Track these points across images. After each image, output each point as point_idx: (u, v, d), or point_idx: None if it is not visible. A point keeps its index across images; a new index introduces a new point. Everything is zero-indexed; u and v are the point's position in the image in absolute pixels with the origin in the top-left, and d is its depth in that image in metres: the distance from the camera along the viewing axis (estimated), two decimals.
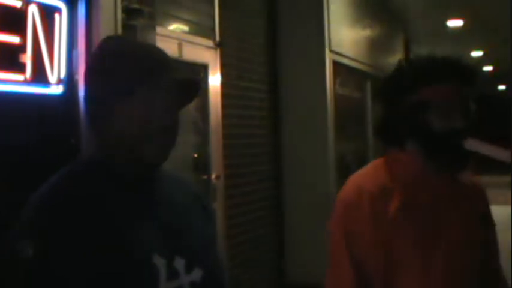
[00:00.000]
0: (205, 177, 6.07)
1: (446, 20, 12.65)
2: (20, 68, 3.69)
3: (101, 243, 1.66)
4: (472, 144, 2.29)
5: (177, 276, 1.79)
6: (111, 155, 1.81)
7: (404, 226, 2.30)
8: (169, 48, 5.39)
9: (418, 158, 2.36)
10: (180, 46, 5.64)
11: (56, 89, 3.96)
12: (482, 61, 19.61)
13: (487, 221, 2.47)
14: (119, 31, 4.48)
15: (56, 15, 4.00)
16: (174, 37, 5.64)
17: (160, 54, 1.88)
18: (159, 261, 1.75)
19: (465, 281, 2.34)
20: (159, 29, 5.19)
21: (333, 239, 2.40)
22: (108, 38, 1.98)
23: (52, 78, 3.91)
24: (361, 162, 8.47)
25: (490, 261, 2.49)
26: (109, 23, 4.41)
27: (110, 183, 1.79)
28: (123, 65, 1.79)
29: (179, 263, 1.81)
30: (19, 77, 3.68)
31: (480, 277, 2.40)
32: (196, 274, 1.85)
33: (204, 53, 6.14)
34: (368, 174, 2.47)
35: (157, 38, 5.01)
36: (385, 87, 2.51)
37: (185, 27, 6.07)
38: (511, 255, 8.85)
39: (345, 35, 8.77)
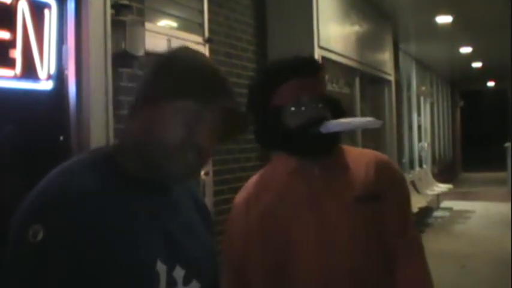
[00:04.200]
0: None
1: (435, 16, 12.66)
2: (10, 63, 3.70)
3: (109, 238, 1.64)
4: (327, 126, 2.45)
5: (175, 286, 1.76)
6: (132, 154, 1.79)
7: (271, 217, 2.49)
8: (158, 44, 5.41)
9: (289, 156, 2.55)
10: (168, 42, 5.65)
11: (46, 85, 3.97)
12: (471, 57, 19.64)
13: (368, 201, 2.51)
14: (108, 27, 4.49)
15: (46, 11, 4.01)
16: (163, 33, 5.65)
17: (223, 77, 1.88)
18: (161, 268, 1.72)
19: (349, 267, 2.41)
20: (148, 25, 5.19)
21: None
22: (185, 48, 1.97)
23: (42, 73, 3.93)
24: None
25: (388, 234, 2.52)
26: (98, 18, 4.42)
27: (121, 181, 1.76)
28: (189, 76, 1.77)
29: (178, 273, 1.77)
30: (9, 72, 3.69)
31: (378, 260, 2.47)
32: (194, 286, 1.82)
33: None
34: (256, 176, 2.72)
35: (146, 34, 5.02)
36: (248, 98, 2.66)
37: (174, 23, 6.08)
38: (511, 251, 8.92)
39: (334, 31, 8.79)
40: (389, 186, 2.56)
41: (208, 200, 6.17)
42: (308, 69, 2.55)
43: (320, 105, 2.50)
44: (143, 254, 1.70)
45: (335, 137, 2.52)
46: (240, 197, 2.68)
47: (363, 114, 10.02)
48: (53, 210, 1.62)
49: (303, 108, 2.48)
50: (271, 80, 2.54)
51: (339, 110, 2.59)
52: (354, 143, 9.89)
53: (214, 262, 2.02)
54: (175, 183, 1.87)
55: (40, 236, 1.57)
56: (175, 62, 1.83)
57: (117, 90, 4.65)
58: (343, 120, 2.50)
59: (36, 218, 1.61)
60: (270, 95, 2.52)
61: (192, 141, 1.73)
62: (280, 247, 2.46)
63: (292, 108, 2.48)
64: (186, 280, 1.80)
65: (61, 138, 4.22)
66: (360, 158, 2.61)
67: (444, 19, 12.90)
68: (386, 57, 12.45)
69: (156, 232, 1.76)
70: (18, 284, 1.59)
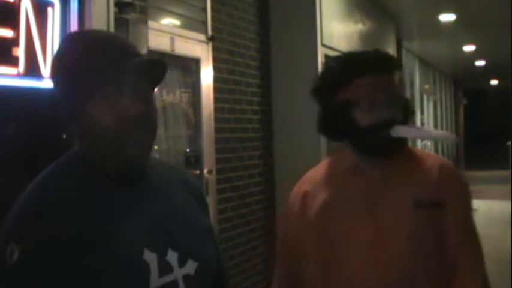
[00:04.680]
0: (197, 171, 6.08)
1: (438, 14, 12.64)
2: (13, 61, 3.71)
3: (88, 241, 1.62)
4: (399, 131, 2.36)
5: (171, 270, 1.76)
6: (93, 153, 1.78)
7: (330, 216, 2.42)
8: (161, 42, 5.41)
9: (352, 152, 2.47)
10: (172, 40, 5.65)
11: (49, 83, 3.97)
12: (474, 55, 19.62)
13: (428, 207, 2.41)
14: (111, 25, 4.49)
15: (49, 9, 4.01)
16: (166, 31, 5.65)
17: (117, 44, 1.81)
18: (150, 257, 1.71)
19: (407, 270, 2.33)
20: (151, 23, 5.20)
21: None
22: (69, 35, 1.95)
23: (45, 71, 3.92)
24: None
25: (447, 246, 2.40)
26: (101, 16, 4.42)
27: (95, 180, 1.75)
28: (81, 63, 1.73)
29: (172, 257, 1.77)
30: (12, 70, 3.70)
31: (433, 265, 2.36)
32: (191, 266, 1.81)
33: (196, 47, 6.15)
34: (312, 171, 2.67)
35: (150, 32, 5.02)
36: (316, 87, 2.59)
37: (177, 22, 6.09)
38: (511, 248, 8.90)
39: (337, 29, 8.77)
40: (454, 196, 2.45)
41: (211, 198, 6.17)
42: (386, 66, 2.47)
43: (393, 106, 2.40)
44: (127, 247, 1.69)
45: (403, 142, 2.44)
46: (297, 190, 2.61)
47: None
48: (27, 228, 1.62)
49: (375, 107, 2.37)
50: (347, 71, 2.45)
51: (409, 113, 2.49)
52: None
53: (210, 241, 2.01)
54: (140, 165, 1.83)
55: (15, 256, 1.57)
56: (60, 58, 1.81)
57: None
58: (416, 127, 2.42)
59: (12, 238, 1.61)
60: (342, 87, 2.43)
61: (127, 117, 1.71)
62: (335, 245, 2.40)
63: (364, 105, 2.37)
64: (181, 262, 1.80)
65: (64, 136, 4.22)
66: (423, 161, 2.52)
67: (447, 17, 12.88)
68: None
69: (139, 222, 1.75)
70: None
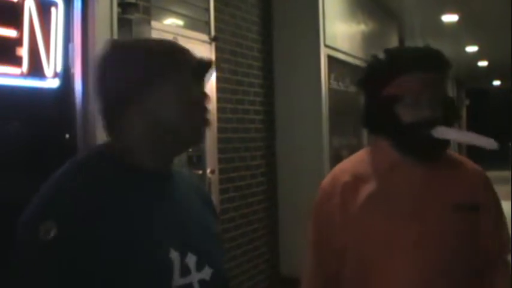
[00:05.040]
0: (200, 171, 6.09)
1: (441, 15, 12.64)
2: (17, 61, 3.71)
3: (121, 231, 1.64)
4: (441, 132, 2.33)
5: (188, 273, 1.77)
6: (130, 148, 1.80)
7: (375, 213, 2.35)
8: None
9: (392, 147, 2.42)
10: (175, 40, 5.65)
11: (52, 83, 3.98)
12: (477, 56, 19.62)
13: (472, 211, 2.41)
14: (115, 25, 4.50)
15: (53, 9, 4.02)
16: (169, 31, 5.65)
17: (172, 43, 1.96)
18: (174, 256, 1.73)
19: (447, 272, 2.32)
20: (154, 23, 5.21)
21: (308, 230, 2.58)
22: (113, 40, 2.01)
23: (48, 71, 3.93)
24: None
25: (483, 252, 2.43)
26: (105, 16, 4.43)
27: (124, 173, 1.77)
28: (141, 55, 1.83)
29: (191, 260, 1.78)
30: (16, 70, 3.70)
31: (469, 265, 2.38)
32: (207, 272, 1.82)
33: (199, 47, 6.15)
34: (350, 163, 2.57)
35: (153, 32, 5.03)
36: (362, 79, 2.55)
37: (180, 22, 6.09)
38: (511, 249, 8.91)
39: (340, 30, 8.78)
40: (488, 202, 2.47)
41: (214, 198, 6.17)
42: (437, 64, 2.42)
43: (437, 106, 2.36)
44: (156, 243, 1.71)
45: (445, 144, 2.41)
46: (334, 180, 2.49)
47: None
48: (65, 207, 1.62)
49: (419, 105, 2.33)
50: (395, 66, 2.40)
51: (453, 114, 2.45)
52: (358, 137, 9.89)
53: (222, 249, 2.06)
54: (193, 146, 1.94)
55: (52, 234, 1.56)
56: (120, 54, 1.87)
57: None
58: (458, 130, 2.39)
59: (48, 216, 1.60)
60: (388, 81, 2.39)
61: (190, 102, 1.82)
62: (377, 243, 2.34)
63: (408, 102, 2.34)
64: (199, 266, 1.81)
65: (67, 136, 4.23)
66: (459, 165, 2.54)
67: (450, 18, 12.88)
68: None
69: (166, 221, 1.78)
70: (31, 281, 1.58)
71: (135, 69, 1.79)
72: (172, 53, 1.85)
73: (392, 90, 2.36)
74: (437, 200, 2.38)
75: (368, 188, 2.39)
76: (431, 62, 2.40)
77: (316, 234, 2.54)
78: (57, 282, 1.56)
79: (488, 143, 2.37)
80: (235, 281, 6.61)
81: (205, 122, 1.87)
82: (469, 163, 2.59)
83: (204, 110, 1.86)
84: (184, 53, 1.87)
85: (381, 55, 2.50)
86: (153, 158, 1.81)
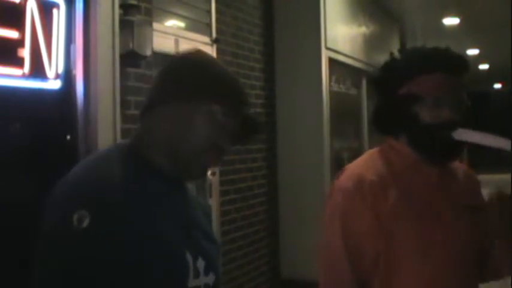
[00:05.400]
0: None
1: (442, 18, 12.66)
2: (19, 62, 3.72)
3: (144, 229, 1.67)
4: (461, 134, 2.30)
5: (198, 276, 1.80)
6: (160, 152, 1.83)
7: (404, 215, 2.27)
8: (166, 44, 5.42)
9: (409, 148, 2.38)
10: (176, 42, 5.66)
11: (54, 84, 3.99)
12: (478, 59, 19.62)
13: (477, 212, 2.41)
14: (116, 26, 4.51)
15: (54, 10, 4.02)
16: (171, 33, 5.66)
17: (242, 86, 1.98)
18: (189, 258, 1.76)
19: (463, 271, 2.33)
20: (155, 25, 5.21)
21: (329, 231, 2.37)
22: (207, 53, 2.03)
23: (50, 72, 3.94)
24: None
25: (488, 252, 2.45)
26: (106, 18, 4.44)
27: (149, 174, 1.80)
28: (223, 82, 1.87)
29: (201, 264, 1.81)
30: (17, 71, 3.71)
31: (479, 267, 2.41)
32: (211, 278, 1.86)
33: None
34: (366, 163, 2.45)
35: (154, 34, 5.03)
36: (379, 78, 2.51)
37: (182, 24, 6.10)
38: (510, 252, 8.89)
39: (341, 33, 8.79)
40: (485, 201, 2.48)
41: (214, 201, 6.18)
42: (458, 67, 2.38)
43: (457, 108, 2.32)
44: (174, 245, 1.74)
45: (462, 146, 2.35)
46: (358, 185, 2.32)
47: (370, 115, 10.01)
48: (98, 198, 1.64)
49: (439, 106, 2.30)
50: (416, 64, 2.37)
51: (471, 118, 2.41)
52: (359, 140, 9.90)
53: (219, 257, 2.06)
54: (190, 180, 1.95)
55: (86, 223, 1.58)
56: (209, 64, 1.93)
57: (124, 89, 4.67)
58: (478, 132, 2.32)
59: (82, 204, 1.62)
60: (408, 80, 2.35)
61: (216, 143, 1.82)
62: (405, 245, 2.26)
63: (429, 102, 2.29)
64: (206, 271, 1.84)
65: (68, 137, 4.24)
66: (459, 167, 2.55)
67: (451, 21, 12.90)
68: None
69: (180, 224, 1.82)
70: (61, 266, 1.59)
71: (196, 82, 1.85)
72: (236, 91, 1.90)
73: (413, 89, 2.33)
74: (454, 201, 2.38)
75: (393, 190, 2.31)
76: (453, 64, 2.37)
77: (345, 238, 2.31)
78: (85, 270, 1.58)
79: (507, 144, 2.34)
80: (236, 282, 6.61)
81: (212, 164, 1.90)
82: (463, 166, 2.63)
83: (220, 154, 1.87)
84: (242, 99, 1.91)
85: (398, 54, 2.50)
86: (165, 162, 1.82)
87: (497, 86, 29.98)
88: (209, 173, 6.16)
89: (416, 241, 2.27)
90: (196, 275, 1.79)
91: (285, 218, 7.78)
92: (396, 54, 2.50)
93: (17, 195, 3.36)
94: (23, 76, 3.74)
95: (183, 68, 1.90)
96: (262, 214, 7.40)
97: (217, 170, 6.30)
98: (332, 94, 8.24)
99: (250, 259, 7.01)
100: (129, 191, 1.70)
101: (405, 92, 2.35)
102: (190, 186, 2.08)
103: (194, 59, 1.93)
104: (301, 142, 7.74)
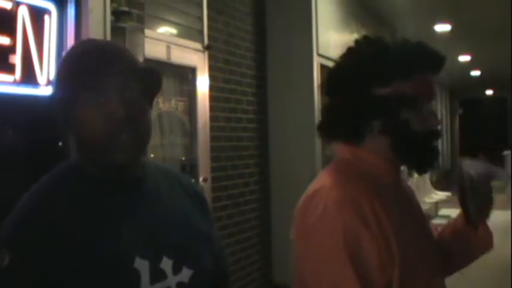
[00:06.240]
0: (192, 180, 6.08)
1: (433, 24, 12.68)
2: (10, 69, 3.71)
3: (78, 251, 1.63)
4: (469, 165, 2.14)
5: (164, 277, 1.75)
6: (85, 158, 1.79)
7: (400, 232, 1.97)
8: (158, 50, 5.42)
9: (384, 158, 2.06)
10: (168, 49, 5.66)
11: (45, 90, 3.98)
12: (470, 65, 19.66)
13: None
14: (108, 33, 4.50)
15: (46, 17, 4.02)
16: (163, 40, 5.66)
17: (110, 50, 1.83)
18: (141, 264, 1.71)
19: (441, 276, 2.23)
20: (147, 32, 5.21)
21: (329, 261, 1.90)
22: (75, 44, 1.98)
23: (41, 79, 3.93)
24: None
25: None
26: (98, 24, 4.43)
27: (89, 188, 1.75)
28: (74, 66, 1.76)
29: (166, 264, 1.76)
30: (9, 77, 3.70)
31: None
32: (185, 274, 1.80)
33: (192, 56, 6.17)
34: (338, 181, 2.03)
35: (146, 40, 5.03)
36: (340, 74, 2.16)
37: (173, 30, 6.10)
38: (511, 259, 8.90)
39: (333, 39, 8.79)
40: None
41: None
42: (442, 66, 2.09)
43: (435, 111, 2.06)
44: (116, 257, 1.69)
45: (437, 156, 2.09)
46: (354, 207, 1.91)
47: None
48: (18, 235, 1.63)
49: (430, 111, 2.04)
50: (411, 61, 2.01)
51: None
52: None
53: (209, 246, 1.98)
54: (127, 169, 1.81)
55: (6, 261, 1.58)
56: (60, 67, 1.84)
57: None
58: (483, 162, 2.15)
59: (3, 243, 1.62)
60: (398, 78, 2.00)
61: (109, 120, 1.70)
62: (412, 264, 1.97)
63: (422, 106, 2.01)
64: (175, 269, 1.79)
65: (60, 143, 4.23)
66: None
67: (443, 27, 12.93)
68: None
69: (133, 230, 1.75)
70: None
71: (64, 84, 1.77)
72: (92, 65, 1.74)
73: (405, 90, 1.99)
74: (418, 205, 2.27)
75: (392, 207, 2.00)
76: (440, 63, 2.09)
77: (355, 267, 1.86)
78: None
79: (504, 175, 2.22)
80: None
81: (133, 145, 1.75)
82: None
83: (130, 131, 1.72)
84: (107, 64, 1.76)
85: (367, 44, 2.17)
86: (102, 169, 1.77)
87: (489, 92, 30.06)
88: (201, 179, 6.16)
89: (418, 257, 2.03)
90: (161, 277, 1.75)
91: (277, 224, 7.77)
92: (365, 44, 2.18)
93: (7, 203, 3.35)
94: (14, 82, 3.74)
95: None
96: (254, 220, 7.40)
97: (209, 176, 6.30)
98: (324, 100, 8.24)
99: (242, 265, 7.01)
100: (64, 215, 1.67)
101: (391, 92, 2.00)
102: (175, 178, 2.04)
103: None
104: (293, 148, 7.74)
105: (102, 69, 1.73)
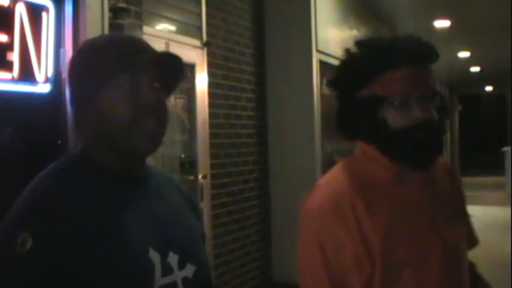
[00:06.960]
0: (191, 177, 6.08)
1: (433, 20, 12.67)
2: (8, 66, 3.71)
3: (95, 236, 1.62)
4: None
5: (171, 272, 1.77)
6: (99, 148, 1.78)
7: (395, 231, 1.99)
8: (156, 47, 5.40)
9: (384, 158, 2.10)
10: (167, 46, 5.65)
11: (44, 88, 3.97)
12: (469, 62, 19.65)
13: (465, 215, 2.30)
14: (106, 30, 4.49)
15: (44, 14, 4.01)
16: (161, 36, 5.65)
17: (131, 39, 1.91)
18: (154, 256, 1.72)
19: (458, 273, 2.15)
20: (146, 29, 5.20)
21: (307, 257, 2.09)
22: (89, 39, 1.99)
23: (39, 76, 3.93)
24: None
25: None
26: (96, 21, 4.42)
27: (98, 177, 1.75)
28: (96, 55, 1.78)
29: (173, 259, 1.78)
30: (6, 75, 3.70)
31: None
32: (189, 270, 1.83)
33: (191, 53, 6.16)
34: (341, 178, 2.12)
35: (144, 37, 5.02)
36: (337, 77, 2.21)
37: (172, 27, 6.09)
38: (511, 256, 8.89)
39: (332, 35, 8.78)
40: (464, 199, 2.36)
41: (206, 204, 6.18)
42: (426, 55, 2.07)
43: (429, 103, 2.04)
44: (134, 245, 1.69)
45: (440, 148, 2.09)
46: (335, 208, 2.00)
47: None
48: (39, 218, 1.61)
49: (409, 105, 2.01)
50: (378, 61, 2.04)
51: (444, 111, 2.12)
52: (351, 143, 9.88)
53: (204, 246, 2.05)
54: (143, 156, 1.85)
55: (28, 245, 1.56)
56: (77, 55, 1.87)
57: None
58: None
59: (24, 227, 1.59)
60: (371, 79, 2.04)
61: (140, 105, 1.73)
62: (404, 266, 1.98)
63: (396, 103, 2.00)
64: (181, 265, 1.81)
65: (59, 141, 4.22)
66: (439, 163, 2.24)
67: (442, 23, 12.91)
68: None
69: (144, 221, 1.77)
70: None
71: (89, 69, 1.78)
72: (125, 52, 1.79)
73: (375, 90, 2.04)
74: (445, 211, 2.17)
75: (381, 209, 2.01)
76: (420, 53, 2.06)
77: (328, 271, 1.98)
78: None
79: None
80: (227, 286, 6.60)
81: (157, 133, 1.79)
82: (442, 160, 2.34)
83: (156, 118, 1.76)
84: (140, 51, 1.82)
85: (356, 49, 2.17)
86: (112, 160, 1.78)
87: (489, 88, 30.08)
88: (200, 176, 6.15)
89: (414, 262, 2.02)
90: (169, 271, 1.76)
91: (276, 222, 7.77)
92: (353, 50, 2.17)
93: (5, 201, 3.34)
94: (12, 80, 3.73)
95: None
96: (254, 217, 7.39)
97: (208, 173, 6.29)
98: (323, 97, 8.23)
99: (241, 262, 7.00)
100: (79, 203, 1.67)
101: (368, 93, 2.06)
102: (169, 180, 2.07)
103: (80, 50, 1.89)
104: (292, 145, 7.73)
105: (138, 54, 1.78)
